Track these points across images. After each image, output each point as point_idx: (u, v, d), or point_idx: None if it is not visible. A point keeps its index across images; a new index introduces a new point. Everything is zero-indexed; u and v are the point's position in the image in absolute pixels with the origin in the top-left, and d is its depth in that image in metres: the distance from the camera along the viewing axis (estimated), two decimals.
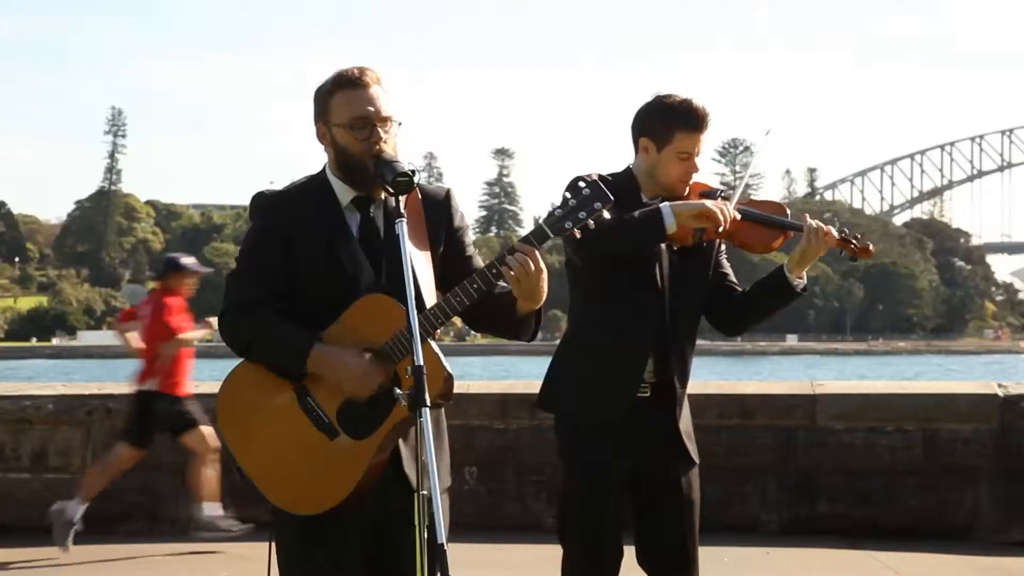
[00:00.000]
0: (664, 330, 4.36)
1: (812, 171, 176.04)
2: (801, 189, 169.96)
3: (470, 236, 3.73)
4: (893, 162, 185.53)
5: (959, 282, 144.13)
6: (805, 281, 4.44)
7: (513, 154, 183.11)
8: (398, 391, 3.23)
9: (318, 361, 3.40)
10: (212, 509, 8.11)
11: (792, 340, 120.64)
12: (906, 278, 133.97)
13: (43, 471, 8.53)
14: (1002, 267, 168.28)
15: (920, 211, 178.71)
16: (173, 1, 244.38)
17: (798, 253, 4.38)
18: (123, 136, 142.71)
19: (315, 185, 3.59)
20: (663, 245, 4.31)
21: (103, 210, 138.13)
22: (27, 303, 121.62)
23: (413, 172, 3.38)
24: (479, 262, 3.64)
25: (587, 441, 4.35)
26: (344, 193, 3.56)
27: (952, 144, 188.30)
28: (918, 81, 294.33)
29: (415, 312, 3.20)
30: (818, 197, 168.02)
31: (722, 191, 4.37)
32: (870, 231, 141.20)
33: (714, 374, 54.44)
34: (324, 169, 3.62)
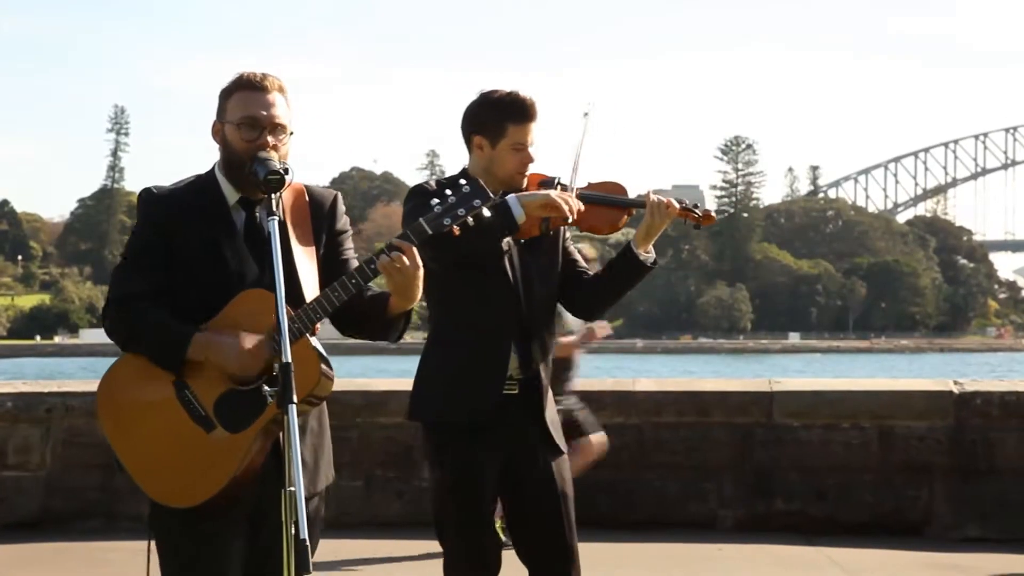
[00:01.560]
0: (523, 323, 4.39)
1: (815, 169, 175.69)
2: (804, 187, 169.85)
3: (351, 241, 3.76)
4: (897, 160, 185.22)
5: (962, 280, 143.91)
6: (654, 255, 4.50)
7: None
8: (266, 388, 3.25)
9: (199, 347, 3.42)
10: None
11: (795, 338, 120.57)
12: (909, 276, 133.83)
13: (2, 468, 8.54)
14: (1005, 265, 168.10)
15: (923, 209, 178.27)
16: (175, 1, 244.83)
17: (643, 228, 4.44)
18: (126, 134, 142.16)
19: (203, 183, 3.62)
20: (510, 240, 4.34)
21: (106, 208, 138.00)
22: (29, 301, 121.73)
23: (286, 171, 3.42)
24: (355, 265, 3.67)
25: (458, 446, 4.34)
26: (231, 193, 3.60)
27: (956, 142, 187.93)
28: (921, 79, 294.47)
29: (284, 309, 3.24)
30: (821, 195, 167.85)
31: (559, 179, 4.41)
32: (873, 229, 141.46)
33: (715, 373, 54.40)
34: (213, 168, 3.65)
